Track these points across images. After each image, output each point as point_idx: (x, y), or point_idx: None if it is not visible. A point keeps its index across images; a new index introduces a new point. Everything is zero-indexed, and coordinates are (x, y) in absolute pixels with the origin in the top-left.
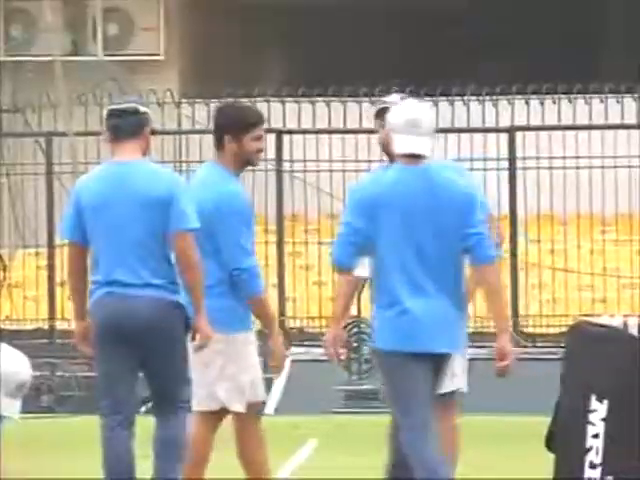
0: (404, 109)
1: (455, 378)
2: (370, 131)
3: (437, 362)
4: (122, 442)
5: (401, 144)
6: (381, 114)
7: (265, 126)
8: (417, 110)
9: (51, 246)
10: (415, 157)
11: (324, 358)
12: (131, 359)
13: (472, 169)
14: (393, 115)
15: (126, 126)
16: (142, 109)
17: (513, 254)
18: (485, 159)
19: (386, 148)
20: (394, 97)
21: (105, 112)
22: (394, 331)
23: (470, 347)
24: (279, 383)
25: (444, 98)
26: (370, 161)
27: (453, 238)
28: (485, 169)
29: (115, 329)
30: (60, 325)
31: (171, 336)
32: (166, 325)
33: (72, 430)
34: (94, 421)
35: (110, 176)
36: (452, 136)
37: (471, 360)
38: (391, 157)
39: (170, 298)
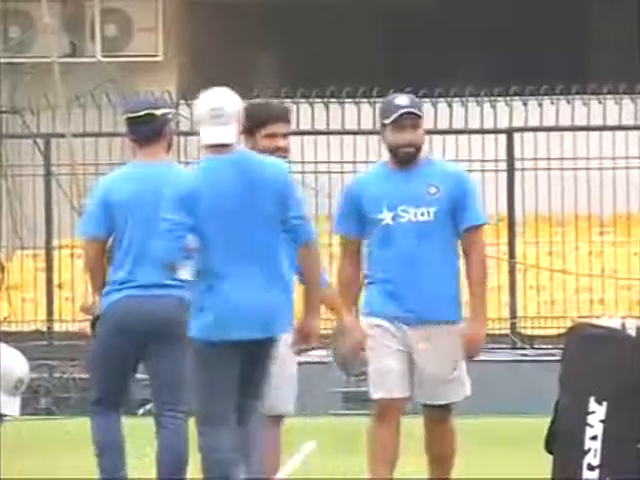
0: (206, 99)
1: (463, 387)
2: (369, 132)
3: (254, 349)
4: (112, 425)
5: (206, 135)
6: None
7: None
8: (219, 99)
9: (49, 247)
10: (223, 146)
11: (322, 360)
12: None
13: (470, 170)
14: (197, 106)
15: (147, 133)
16: (159, 112)
17: (511, 256)
18: (483, 160)
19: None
20: (402, 98)
21: (123, 118)
22: (207, 319)
23: None
24: None
25: (442, 99)
26: (367, 162)
27: (273, 222)
28: (483, 170)
29: (139, 327)
30: (58, 327)
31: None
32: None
33: (70, 432)
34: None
35: (141, 176)
36: (450, 137)
37: (470, 362)
38: (394, 156)
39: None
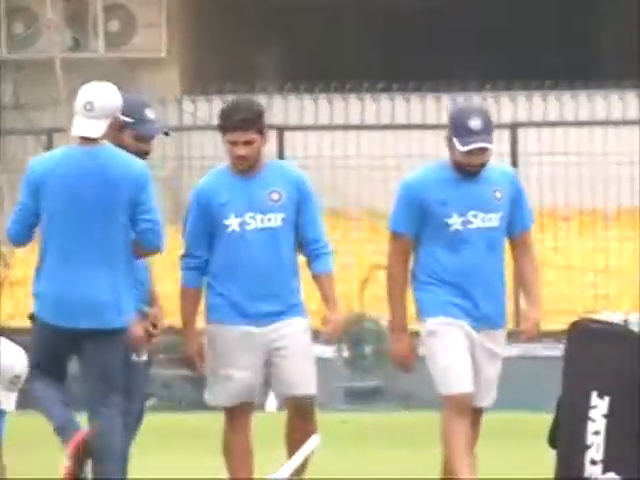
0: (84, 92)
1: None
2: (372, 127)
3: (82, 338)
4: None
5: (75, 126)
6: None
7: (266, 122)
8: (94, 93)
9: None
10: (88, 139)
11: (325, 355)
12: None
13: None
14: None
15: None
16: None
17: None
18: None
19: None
20: (476, 121)
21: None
22: (43, 301)
23: None
24: None
25: (446, 94)
26: (371, 157)
27: (118, 219)
28: None
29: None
30: None
31: None
32: None
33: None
34: None
35: None
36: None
37: None
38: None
39: None
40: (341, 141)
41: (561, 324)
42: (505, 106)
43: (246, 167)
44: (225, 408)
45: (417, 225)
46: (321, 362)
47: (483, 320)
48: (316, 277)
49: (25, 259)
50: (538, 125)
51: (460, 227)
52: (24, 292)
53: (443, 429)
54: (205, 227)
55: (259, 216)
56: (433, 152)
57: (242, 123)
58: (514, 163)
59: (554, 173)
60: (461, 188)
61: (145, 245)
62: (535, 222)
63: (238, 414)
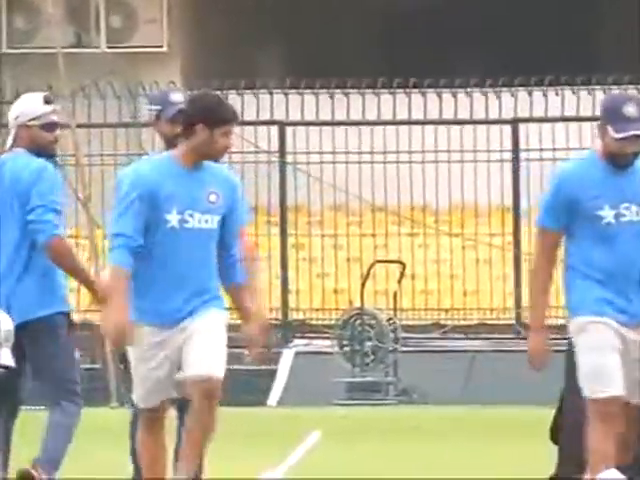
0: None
1: None
2: (374, 123)
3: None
4: None
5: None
6: None
7: (268, 118)
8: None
9: None
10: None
11: (327, 350)
12: None
13: (475, 161)
14: None
15: None
16: None
17: (516, 246)
18: (488, 151)
19: None
20: (632, 108)
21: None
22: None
23: (474, 339)
24: (281, 375)
25: (447, 90)
26: (373, 152)
27: (18, 219)
28: (488, 161)
29: None
30: None
31: None
32: None
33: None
34: (92, 412)
35: None
36: (455, 128)
37: (476, 352)
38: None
39: None
40: (342, 137)
41: (562, 319)
42: (506, 102)
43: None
44: (144, 408)
45: (566, 220)
46: (321, 357)
47: (636, 316)
48: (234, 287)
49: None
50: (539, 121)
51: (612, 220)
52: None
53: (588, 435)
54: (142, 214)
55: (197, 215)
56: (434, 147)
57: (234, 115)
58: (515, 158)
59: (555, 168)
60: (613, 180)
61: (39, 243)
62: (535, 217)
63: (154, 414)
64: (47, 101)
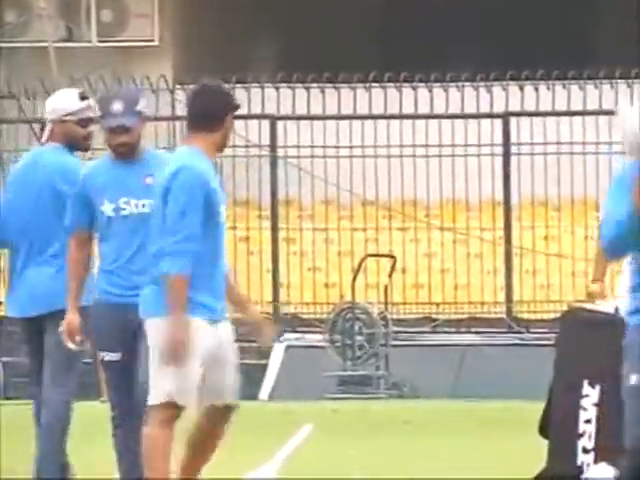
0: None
1: None
2: (365, 117)
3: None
4: None
5: None
6: None
7: (259, 112)
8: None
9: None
10: None
11: (318, 344)
12: None
13: (467, 155)
14: None
15: None
16: None
17: (507, 240)
18: (479, 145)
19: None
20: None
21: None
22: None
23: (465, 333)
24: (273, 369)
25: (438, 84)
26: (364, 146)
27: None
28: (479, 155)
29: None
30: None
31: None
32: None
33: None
34: (84, 406)
35: None
36: (446, 122)
37: (467, 346)
38: None
39: None
40: (333, 131)
41: (553, 313)
42: (497, 96)
43: None
44: (173, 403)
45: None
46: (312, 350)
47: None
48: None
49: None
50: (530, 115)
51: None
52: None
53: None
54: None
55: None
56: (425, 142)
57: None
58: (506, 152)
59: (546, 162)
60: None
61: None
62: (527, 211)
63: (180, 411)
64: (82, 97)
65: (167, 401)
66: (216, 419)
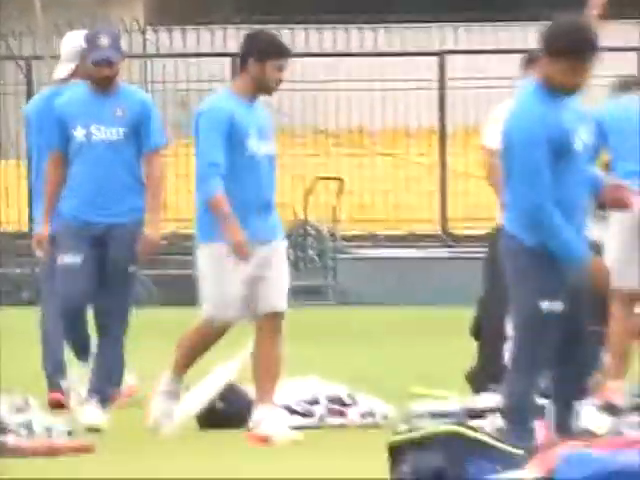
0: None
1: None
2: (317, 54)
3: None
4: None
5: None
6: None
7: (222, 50)
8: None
9: (30, 158)
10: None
11: None
12: None
13: (407, 89)
14: None
15: None
16: None
17: (442, 164)
18: (418, 80)
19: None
20: None
21: None
22: None
23: (404, 247)
24: None
25: (383, 25)
26: (315, 82)
27: None
28: (418, 89)
29: None
30: None
31: None
32: None
33: None
34: None
35: None
36: (389, 60)
37: (406, 259)
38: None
39: None
40: (289, 68)
41: (483, 229)
42: (434, 36)
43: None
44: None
45: None
46: None
47: None
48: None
49: (4, 171)
50: (463, 52)
51: None
52: (4, 201)
53: None
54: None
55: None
56: (369, 77)
57: (285, 50)
58: (441, 86)
59: (478, 96)
60: None
61: None
62: (459, 139)
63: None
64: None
65: (209, 316)
66: (267, 327)
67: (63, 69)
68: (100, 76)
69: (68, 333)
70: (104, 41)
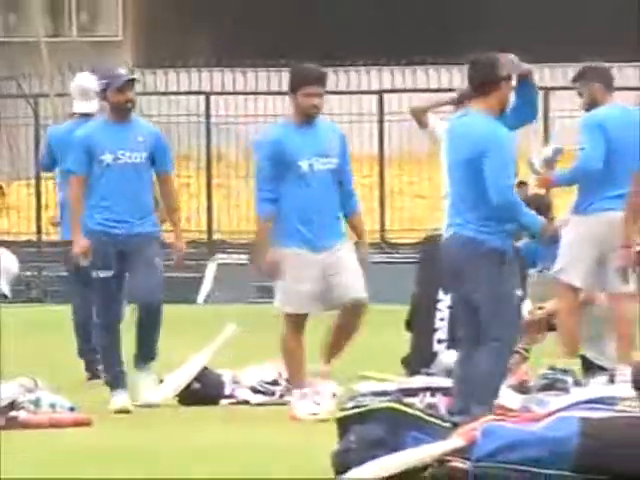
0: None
1: None
2: (272, 93)
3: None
4: None
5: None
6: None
7: (197, 89)
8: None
9: (38, 179)
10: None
11: (241, 262)
12: None
13: (351, 122)
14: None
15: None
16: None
17: (381, 184)
18: (360, 114)
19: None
20: None
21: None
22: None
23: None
24: (207, 281)
25: (331, 68)
26: (276, 115)
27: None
28: (361, 122)
29: None
30: (45, 238)
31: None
32: None
33: (56, 316)
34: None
35: None
36: (336, 96)
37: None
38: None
39: None
40: (253, 101)
41: (415, 239)
42: (374, 76)
43: (317, 114)
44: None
45: None
46: (237, 267)
47: None
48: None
49: (17, 190)
50: (400, 92)
51: None
52: (16, 215)
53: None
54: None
55: (322, 159)
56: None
57: (313, 79)
58: (381, 120)
59: (411, 127)
60: None
61: None
62: (395, 163)
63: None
64: None
65: (284, 311)
66: (348, 314)
67: (85, 105)
68: (125, 99)
69: (108, 344)
70: (122, 71)
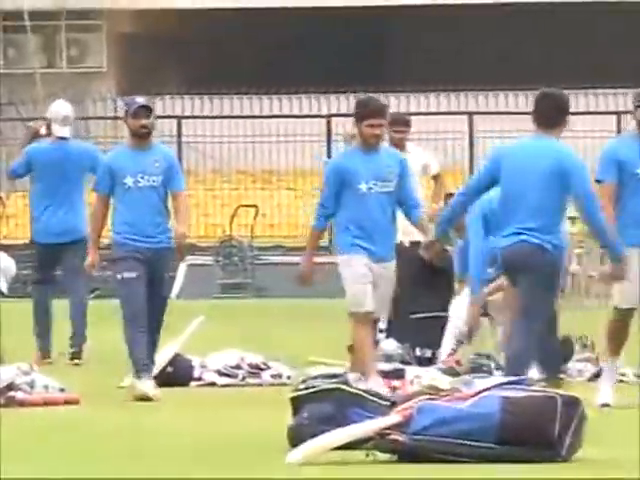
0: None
1: None
2: (236, 117)
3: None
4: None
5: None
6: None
7: (171, 113)
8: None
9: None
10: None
11: (208, 263)
12: None
13: (296, 141)
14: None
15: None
16: None
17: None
18: (310, 135)
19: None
20: None
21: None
22: None
23: (301, 255)
24: (179, 279)
25: (276, 96)
26: (237, 135)
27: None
28: (303, 141)
29: None
30: None
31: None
32: None
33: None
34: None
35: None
36: (292, 120)
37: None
38: None
39: None
40: (218, 124)
41: None
42: (322, 102)
43: (378, 142)
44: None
45: None
46: (204, 267)
47: None
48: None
49: (15, 200)
50: (345, 116)
51: None
52: (15, 222)
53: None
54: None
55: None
56: (276, 132)
57: (373, 111)
58: (328, 140)
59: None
60: None
61: None
62: None
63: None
64: None
65: (351, 311)
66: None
67: (62, 130)
68: (139, 124)
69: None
70: (139, 99)
